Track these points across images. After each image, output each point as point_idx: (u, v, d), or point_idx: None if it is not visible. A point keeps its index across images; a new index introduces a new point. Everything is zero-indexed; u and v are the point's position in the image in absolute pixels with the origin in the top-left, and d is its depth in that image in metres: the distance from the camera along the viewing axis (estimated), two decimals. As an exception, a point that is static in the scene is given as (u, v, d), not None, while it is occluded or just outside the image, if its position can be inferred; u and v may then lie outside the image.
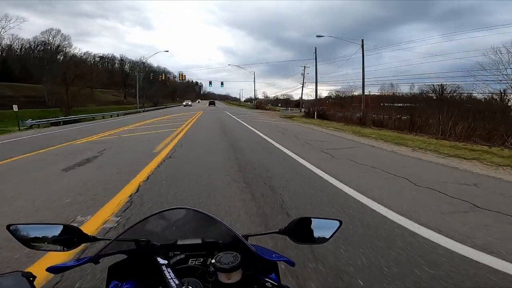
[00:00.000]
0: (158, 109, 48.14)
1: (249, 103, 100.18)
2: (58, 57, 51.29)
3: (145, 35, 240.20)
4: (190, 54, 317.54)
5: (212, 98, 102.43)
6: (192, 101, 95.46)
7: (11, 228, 0.74)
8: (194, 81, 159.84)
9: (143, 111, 38.61)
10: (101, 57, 72.32)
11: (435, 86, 33.06)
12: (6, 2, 65.98)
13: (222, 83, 49.74)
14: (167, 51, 52.01)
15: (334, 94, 51.84)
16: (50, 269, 0.71)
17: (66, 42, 52.30)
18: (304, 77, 43.33)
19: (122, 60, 76.96)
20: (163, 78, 50.60)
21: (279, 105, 73.51)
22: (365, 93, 25.13)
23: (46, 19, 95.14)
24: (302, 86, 43.84)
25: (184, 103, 59.38)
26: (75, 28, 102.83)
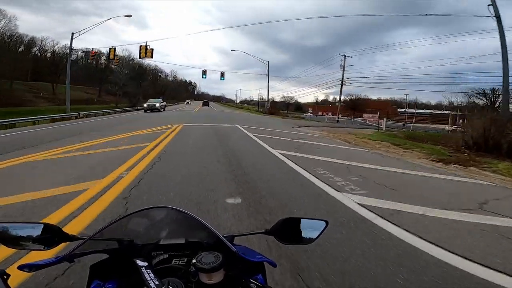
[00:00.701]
0: (127, 111, 32.22)
1: (246, 105, 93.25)
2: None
3: (140, 34, 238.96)
4: (185, 54, 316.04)
5: (206, 99, 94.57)
6: (178, 102, 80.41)
7: None
8: (187, 80, 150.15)
9: (80, 117, 20.94)
10: (85, 52, 62.13)
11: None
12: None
13: (222, 75, 36.14)
14: (130, 15, 43.17)
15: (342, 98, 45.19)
16: (21, 267, 0.68)
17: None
18: (343, 71, 35.17)
19: (100, 54, 60.48)
20: (111, 57, 26.55)
21: (284, 109, 68.25)
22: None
23: (38, 17, 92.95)
24: (341, 84, 35.69)
25: (146, 105, 31.42)
26: (69, 26, 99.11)
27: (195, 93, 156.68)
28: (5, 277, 0.59)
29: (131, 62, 64.40)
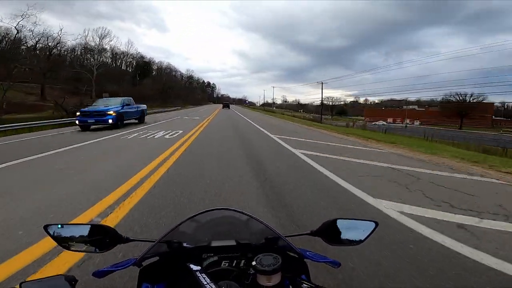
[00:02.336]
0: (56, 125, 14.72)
1: (272, 107, 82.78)
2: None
3: (160, 37, 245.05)
4: (204, 57, 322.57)
5: (226, 101, 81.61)
6: (193, 105, 67.53)
7: (48, 228, 0.74)
8: (205, 81, 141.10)
9: None
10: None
11: None
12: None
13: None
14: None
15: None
16: (95, 274, 0.72)
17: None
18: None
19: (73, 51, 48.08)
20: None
21: (304, 112, 61.79)
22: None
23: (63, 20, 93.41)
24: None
25: (82, 111, 12.83)
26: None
27: (214, 95, 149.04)
28: (73, 282, 0.61)
29: (109, 51, 52.21)
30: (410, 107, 72.96)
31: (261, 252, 0.66)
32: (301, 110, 77.11)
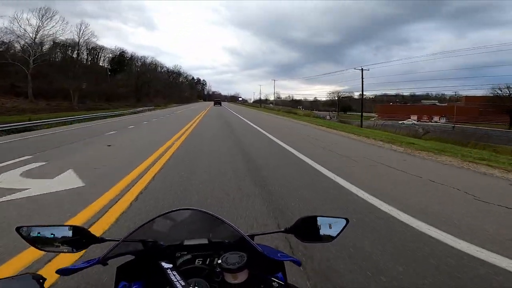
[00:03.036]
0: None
1: (267, 104, 79.49)
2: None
3: (149, 35, 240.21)
4: (194, 55, 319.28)
5: (217, 98, 78.78)
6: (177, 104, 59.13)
7: (20, 230, 0.74)
8: (195, 77, 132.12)
9: None
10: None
11: None
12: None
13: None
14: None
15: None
16: (60, 271, 0.72)
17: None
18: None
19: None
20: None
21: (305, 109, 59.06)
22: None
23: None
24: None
25: None
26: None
27: (205, 92, 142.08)
28: (41, 280, 0.61)
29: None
30: (427, 102, 67.18)
31: (233, 250, 0.67)
32: (301, 107, 75.18)
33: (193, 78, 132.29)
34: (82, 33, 46.32)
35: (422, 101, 68.56)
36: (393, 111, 55.29)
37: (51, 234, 0.76)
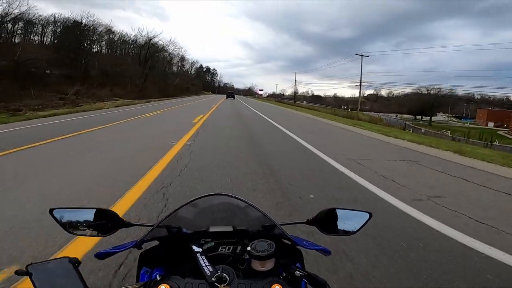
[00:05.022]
0: None
1: (305, 102, 68.71)
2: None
3: (161, 26, 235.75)
4: (207, 47, 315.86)
5: (230, 90, 66.27)
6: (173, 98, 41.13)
7: (53, 212, 0.76)
8: (204, 66, 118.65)
9: None
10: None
11: None
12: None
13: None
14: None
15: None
16: (97, 255, 0.74)
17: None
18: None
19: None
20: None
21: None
22: None
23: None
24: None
25: None
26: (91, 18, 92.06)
27: (217, 84, 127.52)
28: (76, 264, 0.62)
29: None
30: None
31: (257, 238, 0.68)
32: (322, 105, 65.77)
33: (201, 65, 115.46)
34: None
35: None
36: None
37: (79, 217, 0.78)
